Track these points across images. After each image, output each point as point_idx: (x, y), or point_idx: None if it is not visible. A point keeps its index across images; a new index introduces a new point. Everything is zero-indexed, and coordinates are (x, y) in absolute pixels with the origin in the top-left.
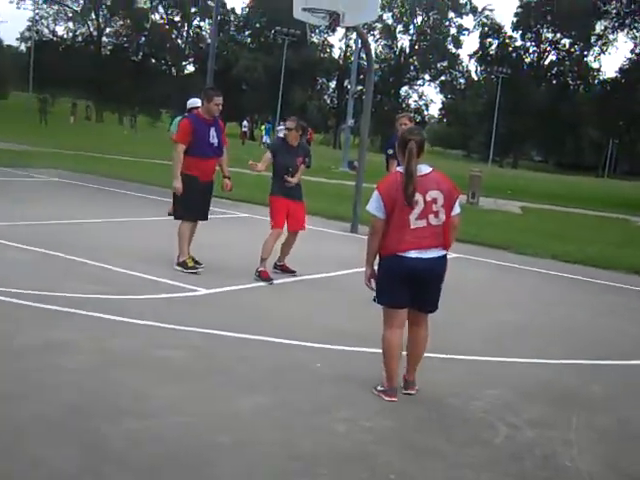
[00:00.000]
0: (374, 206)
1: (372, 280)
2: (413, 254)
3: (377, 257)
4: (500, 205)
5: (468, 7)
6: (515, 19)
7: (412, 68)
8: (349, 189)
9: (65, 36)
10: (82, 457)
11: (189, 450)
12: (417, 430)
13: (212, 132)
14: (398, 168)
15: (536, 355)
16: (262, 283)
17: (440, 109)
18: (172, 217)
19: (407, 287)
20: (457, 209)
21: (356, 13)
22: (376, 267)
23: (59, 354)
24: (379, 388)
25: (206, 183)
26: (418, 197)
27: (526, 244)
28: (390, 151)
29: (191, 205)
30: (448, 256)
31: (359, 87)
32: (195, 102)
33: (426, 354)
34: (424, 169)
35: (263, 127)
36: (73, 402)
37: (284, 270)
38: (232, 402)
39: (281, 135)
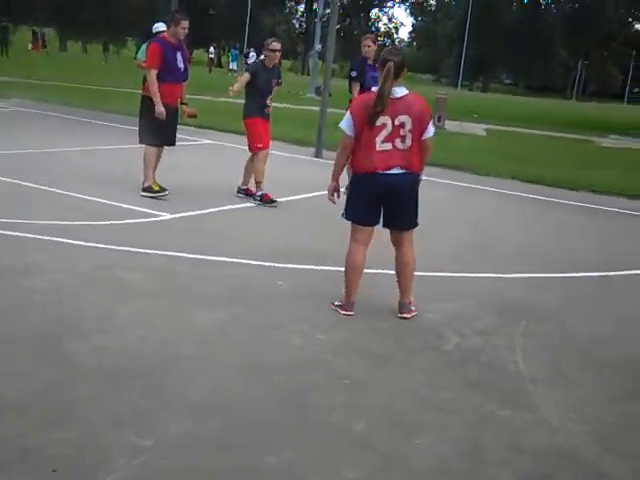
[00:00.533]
0: (345, 124)
1: (335, 194)
2: (380, 171)
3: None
4: (465, 128)
5: None
6: None
7: None
8: (316, 114)
9: None
10: (56, 372)
11: (153, 361)
12: (370, 340)
13: (179, 56)
14: (373, 88)
15: (490, 270)
16: (225, 207)
17: (410, 32)
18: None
19: (376, 204)
20: (430, 132)
21: None
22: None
23: (25, 277)
24: (336, 303)
25: (174, 108)
26: (386, 120)
27: (488, 166)
28: (353, 73)
29: (159, 130)
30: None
31: (327, 10)
32: (160, 26)
33: (383, 270)
34: (399, 92)
35: (229, 54)
36: (41, 322)
37: (248, 194)
38: (192, 318)
39: (250, 61)
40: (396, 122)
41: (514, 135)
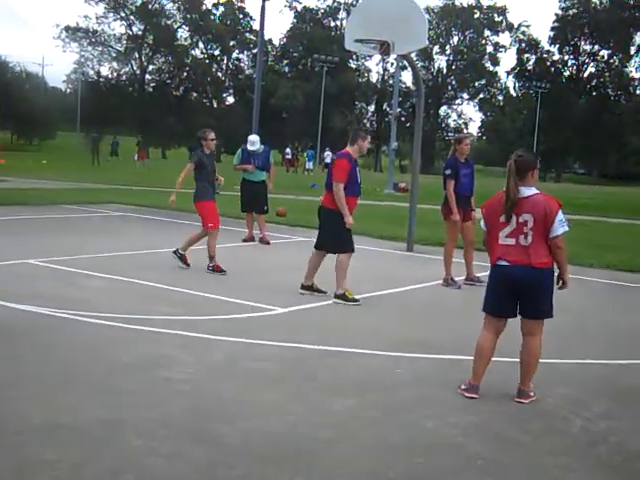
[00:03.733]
0: (482, 222)
1: None
2: (504, 262)
3: None
4: None
5: (504, 24)
6: (552, 33)
7: (450, 88)
8: (399, 210)
9: (110, 76)
10: (210, 452)
11: (295, 444)
12: (497, 423)
13: (358, 171)
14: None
15: (597, 356)
16: (330, 301)
17: (479, 127)
18: (245, 243)
19: (506, 296)
20: (557, 231)
21: (406, 41)
22: None
23: (162, 368)
24: (462, 387)
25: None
26: (511, 217)
27: (579, 255)
28: (448, 171)
29: (349, 238)
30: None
31: (398, 110)
32: (253, 139)
33: (496, 357)
34: (526, 192)
35: (305, 154)
36: (188, 407)
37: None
38: (325, 405)
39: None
40: (520, 219)
41: (600, 224)
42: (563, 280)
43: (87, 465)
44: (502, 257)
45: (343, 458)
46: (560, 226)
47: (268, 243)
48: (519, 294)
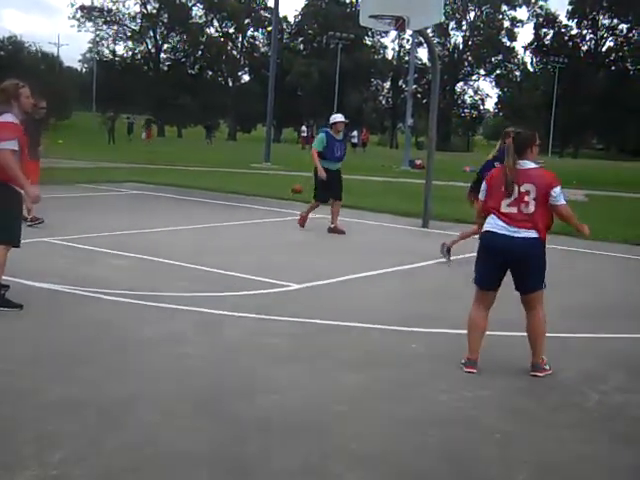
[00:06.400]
0: (482, 192)
1: None
2: (501, 230)
3: None
4: (565, 195)
5: None
6: (570, 7)
7: (466, 64)
8: (413, 186)
9: (125, 55)
10: (226, 427)
11: (310, 419)
12: (513, 397)
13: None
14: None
15: (613, 330)
16: (347, 277)
17: (496, 103)
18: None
19: (497, 268)
20: (560, 200)
21: (421, 16)
22: None
23: (179, 344)
24: (462, 361)
25: None
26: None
27: (595, 230)
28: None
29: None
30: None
31: (413, 86)
32: (337, 117)
33: (511, 332)
34: (527, 164)
35: (320, 131)
36: (205, 383)
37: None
38: (340, 379)
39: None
40: (522, 189)
41: (616, 199)
42: (577, 228)
43: (106, 439)
44: (503, 220)
45: (357, 432)
46: (561, 197)
47: (343, 232)
48: (513, 265)
